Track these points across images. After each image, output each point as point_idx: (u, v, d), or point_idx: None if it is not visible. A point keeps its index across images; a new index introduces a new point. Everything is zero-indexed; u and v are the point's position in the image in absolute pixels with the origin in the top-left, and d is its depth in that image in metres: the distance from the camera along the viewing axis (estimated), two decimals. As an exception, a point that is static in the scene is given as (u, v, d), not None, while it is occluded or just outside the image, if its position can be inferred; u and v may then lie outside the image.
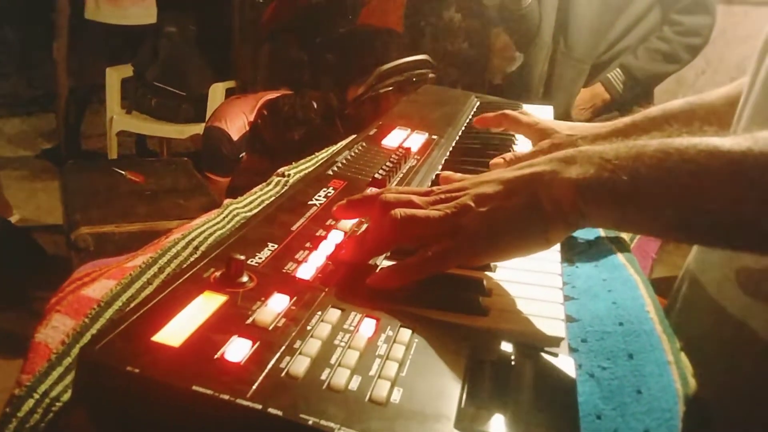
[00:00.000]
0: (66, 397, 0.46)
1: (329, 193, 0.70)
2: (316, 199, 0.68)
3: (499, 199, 0.51)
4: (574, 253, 0.77)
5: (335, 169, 0.78)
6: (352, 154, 0.84)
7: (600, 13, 1.74)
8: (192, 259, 0.63)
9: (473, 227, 0.51)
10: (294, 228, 0.60)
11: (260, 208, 0.80)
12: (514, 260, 0.55)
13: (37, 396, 0.46)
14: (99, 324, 0.53)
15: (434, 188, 0.56)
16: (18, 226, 2.68)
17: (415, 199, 0.55)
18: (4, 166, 3.76)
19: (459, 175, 0.64)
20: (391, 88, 2.10)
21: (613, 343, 0.55)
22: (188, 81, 3.31)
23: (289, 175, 0.94)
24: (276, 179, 0.91)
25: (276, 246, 0.56)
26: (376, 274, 0.52)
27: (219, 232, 0.69)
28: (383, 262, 0.57)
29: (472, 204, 0.52)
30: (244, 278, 0.49)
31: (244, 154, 2.53)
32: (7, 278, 2.39)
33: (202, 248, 0.65)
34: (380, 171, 0.77)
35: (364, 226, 0.61)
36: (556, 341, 0.48)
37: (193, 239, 0.66)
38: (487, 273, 0.57)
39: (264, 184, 0.90)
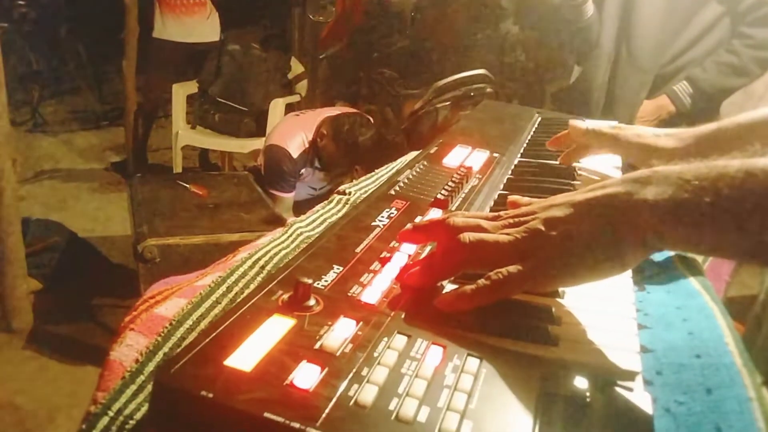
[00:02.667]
0: (139, 415, 0.48)
1: (392, 213, 0.70)
2: (380, 220, 0.68)
3: (570, 222, 0.50)
4: (643, 276, 0.75)
5: (397, 189, 0.78)
6: (414, 173, 0.84)
7: (665, 22, 1.68)
8: (259, 278, 0.64)
9: (544, 252, 0.50)
10: (358, 250, 0.60)
11: (323, 226, 0.81)
12: (584, 286, 0.54)
13: (111, 414, 0.47)
14: (171, 342, 0.54)
15: (502, 213, 0.56)
16: (84, 238, 2.79)
17: (483, 224, 0.54)
18: (75, 178, 3.94)
19: (527, 199, 0.62)
20: (448, 103, 2.09)
21: (691, 376, 0.52)
22: (250, 97, 3.39)
23: (349, 193, 0.95)
24: (337, 197, 0.92)
25: (341, 268, 0.56)
26: (444, 296, 0.51)
27: (284, 252, 0.70)
28: (448, 287, 0.57)
29: (543, 228, 0.51)
30: (311, 302, 0.49)
31: (304, 170, 2.58)
32: (75, 290, 2.49)
33: (269, 267, 0.66)
34: (442, 191, 0.76)
35: (428, 249, 0.60)
36: (631, 375, 0.46)
37: (259, 258, 0.67)
38: (557, 299, 0.56)
39: (326, 202, 0.91)
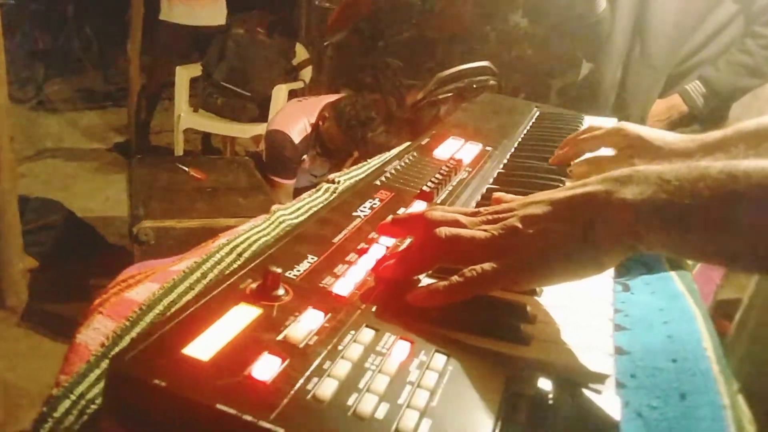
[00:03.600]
0: (101, 400, 0.47)
1: (375, 204, 0.69)
2: (361, 211, 0.67)
3: (548, 220, 0.49)
4: (630, 277, 0.74)
5: (383, 179, 0.77)
6: (403, 164, 0.83)
7: (680, 20, 1.65)
8: (235, 265, 0.64)
9: (520, 250, 0.49)
10: (336, 240, 0.59)
11: (307, 215, 0.80)
12: (563, 285, 0.53)
13: (73, 397, 0.46)
14: (139, 327, 0.53)
15: (482, 209, 0.54)
16: (82, 218, 2.79)
17: (461, 219, 0.53)
18: (77, 158, 3.94)
19: (510, 196, 0.61)
20: (450, 95, 2.08)
21: (665, 380, 0.51)
22: (253, 82, 3.38)
23: (338, 182, 0.94)
24: (325, 186, 0.91)
25: (316, 258, 0.55)
26: (417, 291, 0.50)
27: (264, 239, 0.69)
28: (425, 281, 0.56)
29: (520, 225, 0.50)
30: (280, 291, 0.48)
31: (306, 156, 2.56)
32: (71, 269, 2.49)
33: (246, 254, 0.65)
34: (429, 183, 0.75)
35: (407, 242, 0.59)
36: (601, 378, 0.45)
37: (237, 245, 0.66)
38: (534, 297, 0.55)
39: (313, 190, 0.90)
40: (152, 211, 2.01)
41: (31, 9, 4.79)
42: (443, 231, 0.51)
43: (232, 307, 0.46)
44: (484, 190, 0.80)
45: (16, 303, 2.23)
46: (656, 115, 1.75)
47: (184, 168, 2.44)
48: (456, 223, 0.52)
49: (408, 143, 1.20)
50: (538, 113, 1.29)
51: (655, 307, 0.63)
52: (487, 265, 0.49)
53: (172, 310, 0.55)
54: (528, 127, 1.18)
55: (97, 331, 0.51)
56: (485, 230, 0.51)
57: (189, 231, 1.96)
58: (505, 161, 0.96)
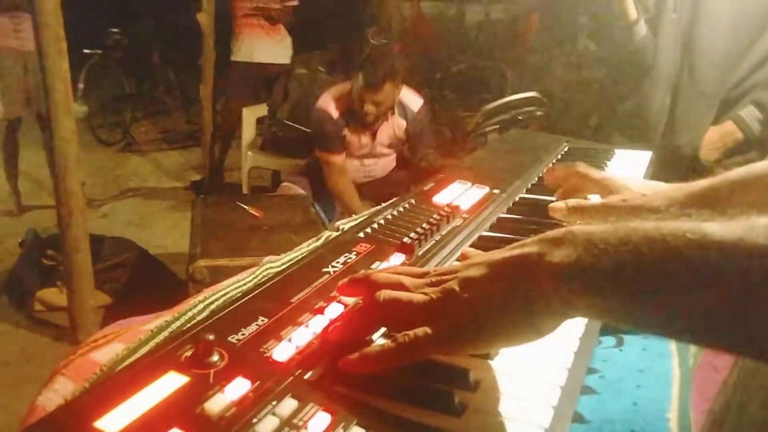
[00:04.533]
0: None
1: (350, 258, 0.69)
2: (333, 266, 0.67)
3: (484, 283, 0.47)
4: (631, 331, 0.69)
5: (370, 230, 0.77)
6: (396, 212, 0.82)
7: (728, 45, 1.57)
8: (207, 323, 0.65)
9: (454, 314, 0.47)
10: (294, 299, 0.59)
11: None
12: (524, 347, 0.50)
13: (20, 460, 0.48)
14: (99, 389, 0.55)
15: (431, 270, 0.53)
16: (154, 255, 2.93)
17: (405, 281, 0.52)
18: (156, 196, 4.17)
19: (477, 253, 0.59)
20: (497, 127, 2.05)
21: (620, 455, 0.47)
22: (315, 119, 3.47)
23: (342, 230, 0.94)
24: (326, 234, 0.91)
25: (266, 321, 0.55)
26: (348, 358, 0.49)
27: (242, 292, 0.70)
28: (380, 341, 0.55)
29: (457, 288, 0.48)
30: (215, 358, 0.49)
31: (346, 131, 2.63)
32: (142, 306, 2.61)
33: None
34: (412, 234, 0.74)
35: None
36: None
37: (212, 302, 0.67)
38: (487, 361, 0.53)
39: (314, 239, 0.91)
40: (208, 250, 2.09)
41: (118, 57, 5.16)
42: (382, 295, 0.51)
43: (161, 375, 0.47)
44: (476, 239, 0.79)
45: (88, 338, 2.35)
46: (710, 143, 1.66)
47: (243, 206, 2.52)
48: (399, 286, 0.52)
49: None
50: (566, 148, 1.25)
51: (635, 368, 0.59)
52: (420, 331, 0.48)
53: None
54: (551, 165, 1.14)
55: (56, 393, 0.54)
56: (425, 293, 0.50)
57: (241, 269, 2.01)
58: (512, 204, 0.93)
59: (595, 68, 4.65)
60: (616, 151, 1.23)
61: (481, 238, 0.79)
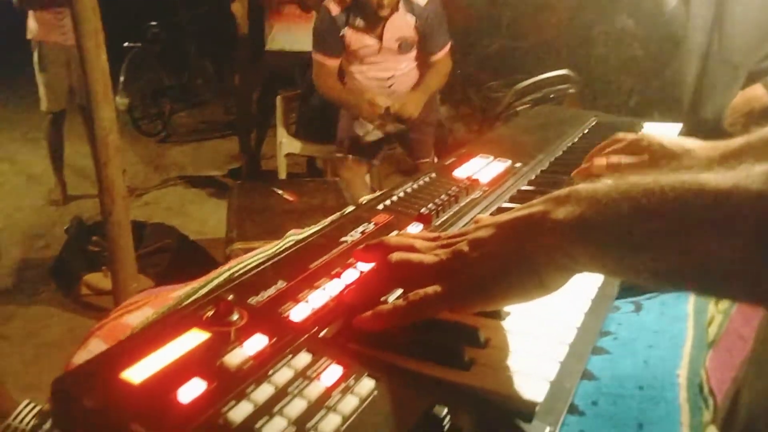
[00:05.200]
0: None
1: (368, 228, 0.71)
2: (351, 236, 0.69)
3: (492, 243, 0.49)
4: (651, 296, 0.69)
5: (389, 202, 0.78)
6: (416, 185, 0.84)
7: (760, 17, 1.52)
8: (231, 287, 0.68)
9: (463, 273, 0.49)
10: (313, 265, 0.61)
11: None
12: (533, 306, 0.51)
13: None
14: (130, 350, 0.58)
15: (441, 233, 0.55)
16: (194, 240, 3.01)
17: (416, 244, 0.54)
18: (196, 184, 4.26)
19: (490, 218, 0.60)
20: (528, 106, 2.03)
21: (626, 409, 0.48)
22: (347, 104, 3.48)
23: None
24: (350, 209, 0.93)
25: (285, 284, 0.58)
26: (362, 316, 0.51)
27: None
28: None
29: (466, 249, 0.50)
30: (235, 317, 0.51)
31: (345, 30, 2.49)
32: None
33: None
34: (430, 205, 0.75)
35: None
36: (530, 405, 0.44)
37: (236, 270, 0.70)
38: (498, 321, 0.54)
39: (339, 213, 0.93)
40: (244, 233, 2.14)
41: (157, 50, 5.27)
42: (394, 256, 0.52)
43: (184, 332, 0.50)
44: (494, 210, 0.79)
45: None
46: (736, 108, 1.62)
47: (278, 191, 2.57)
48: (410, 249, 0.53)
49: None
50: (594, 122, 1.24)
51: (650, 329, 0.59)
52: (430, 289, 0.49)
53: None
54: (576, 139, 1.14)
55: (90, 353, 0.57)
56: (436, 254, 0.51)
57: (275, 251, 2.06)
58: (534, 177, 0.93)
59: (633, 46, 4.54)
60: (645, 124, 1.22)
61: (499, 209, 0.80)
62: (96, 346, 0.58)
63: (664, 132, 1.20)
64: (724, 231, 0.37)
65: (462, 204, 0.79)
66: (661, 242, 0.40)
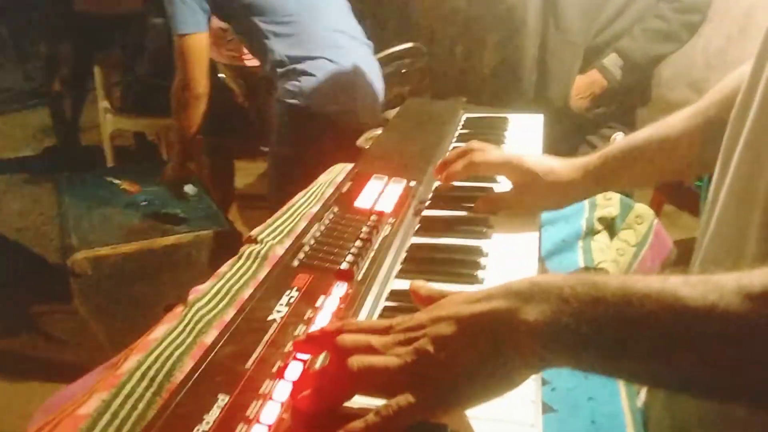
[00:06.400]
0: None
1: (292, 297, 0.66)
2: (277, 311, 0.63)
3: (457, 342, 0.47)
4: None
5: (302, 255, 0.73)
6: (321, 228, 0.79)
7: None
8: (148, 394, 0.60)
9: (434, 380, 0.47)
10: (248, 364, 0.56)
11: (227, 299, 0.77)
12: None
13: None
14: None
15: (394, 323, 0.52)
16: (13, 240, 2.67)
17: (373, 342, 0.51)
18: (5, 169, 3.74)
19: (427, 286, 0.59)
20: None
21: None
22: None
23: (261, 241, 0.90)
24: (247, 251, 0.87)
25: (227, 399, 0.52)
26: (333, 436, 0.48)
27: (178, 352, 0.65)
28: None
29: (431, 349, 0.48)
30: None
31: None
32: (9, 297, 2.39)
33: (159, 378, 0.61)
34: (348, 256, 0.72)
35: (321, 359, 0.57)
36: None
37: (149, 368, 0.62)
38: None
39: (234, 258, 0.86)
40: (85, 239, 1.92)
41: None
42: (355, 363, 0.49)
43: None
44: (404, 254, 0.78)
45: None
46: (578, 91, 1.75)
47: (115, 181, 2.34)
48: (368, 350, 0.50)
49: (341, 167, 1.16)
50: (465, 119, 1.27)
51: (580, 374, 0.62)
52: (402, 400, 0.47)
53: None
54: (454, 140, 1.15)
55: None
56: (399, 355, 0.49)
57: (126, 256, 1.89)
58: (430, 197, 0.93)
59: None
60: (510, 116, 1.26)
61: (412, 246, 0.79)
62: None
63: (529, 123, 1.25)
64: (705, 353, 0.39)
65: (376, 246, 0.76)
66: (639, 355, 0.41)
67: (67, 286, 2.15)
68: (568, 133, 1.76)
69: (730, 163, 0.57)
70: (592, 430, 0.55)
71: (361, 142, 1.76)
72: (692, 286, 0.40)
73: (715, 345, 0.39)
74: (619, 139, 0.86)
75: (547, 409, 0.59)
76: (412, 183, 0.94)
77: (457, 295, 0.52)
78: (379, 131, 1.78)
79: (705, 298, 0.39)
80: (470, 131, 1.20)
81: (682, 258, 1.10)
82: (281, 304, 0.65)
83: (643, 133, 0.80)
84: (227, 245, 2.06)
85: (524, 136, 1.17)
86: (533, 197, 0.84)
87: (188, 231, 2.00)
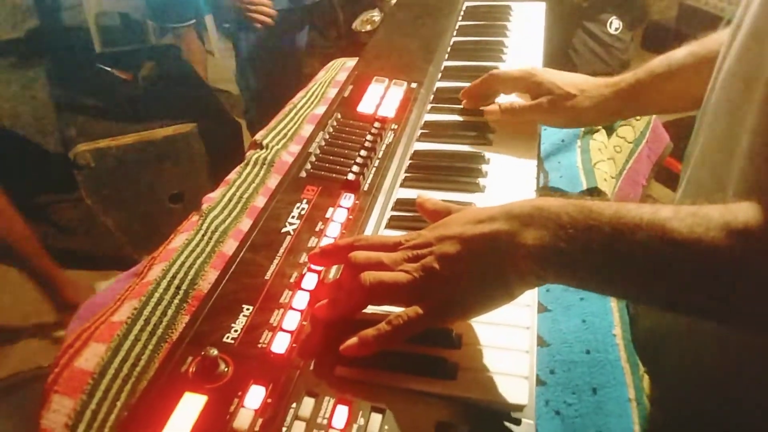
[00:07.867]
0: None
1: (303, 210, 0.69)
2: (290, 223, 0.67)
3: (461, 260, 0.52)
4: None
5: (308, 167, 0.76)
6: (326, 136, 0.82)
7: None
8: (176, 301, 0.65)
9: (440, 293, 0.52)
10: (268, 275, 0.61)
11: (239, 208, 0.80)
12: None
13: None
14: (97, 397, 0.56)
15: (402, 239, 0.56)
16: (10, 129, 2.65)
17: (384, 259, 0.55)
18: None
19: (433, 200, 0.62)
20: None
21: (580, 375, 0.57)
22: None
23: (266, 146, 0.92)
24: (253, 158, 0.89)
25: (250, 308, 0.57)
26: (349, 344, 0.53)
27: (200, 261, 0.70)
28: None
29: (437, 266, 0.52)
30: (221, 367, 0.51)
31: None
32: (15, 189, 2.41)
33: (184, 287, 0.66)
34: (354, 167, 0.75)
35: (334, 271, 0.61)
36: (518, 408, 0.50)
37: (174, 276, 0.67)
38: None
39: (242, 165, 0.88)
40: (85, 131, 1.92)
41: None
42: (367, 279, 0.54)
43: (179, 397, 0.49)
44: (408, 163, 0.80)
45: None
46: None
47: (108, 69, 2.29)
48: (379, 266, 0.55)
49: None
50: (465, 8, 1.24)
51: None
52: (411, 311, 0.52)
53: (126, 366, 0.58)
54: (455, 35, 1.14)
55: (57, 413, 0.54)
56: (407, 271, 0.53)
57: (127, 147, 1.90)
58: (432, 97, 0.94)
59: None
60: (512, 5, 1.23)
61: (416, 153, 0.82)
62: (60, 404, 0.55)
63: (530, 12, 1.22)
64: (689, 282, 0.43)
65: (380, 154, 0.79)
66: (629, 279, 0.46)
67: (69, 176, 2.17)
68: (565, 17, 1.72)
69: (715, 84, 0.59)
70: (582, 328, 0.61)
71: (357, 25, 1.71)
72: (680, 220, 0.44)
73: (699, 275, 0.43)
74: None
75: (542, 309, 0.65)
76: (413, 85, 0.94)
77: (461, 214, 0.56)
78: (374, 12, 1.72)
79: (692, 232, 0.43)
80: (471, 22, 1.18)
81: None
82: (293, 216, 0.68)
83: (682, 51, 0.75)
84: (228, 135, 2.07)
85: (526, 26, 1.15)
86: (553, 115, 0.81)
87: (187, 121, 1.99)
